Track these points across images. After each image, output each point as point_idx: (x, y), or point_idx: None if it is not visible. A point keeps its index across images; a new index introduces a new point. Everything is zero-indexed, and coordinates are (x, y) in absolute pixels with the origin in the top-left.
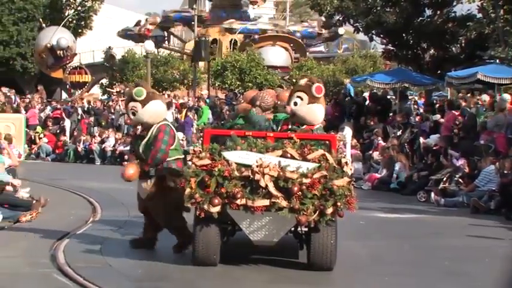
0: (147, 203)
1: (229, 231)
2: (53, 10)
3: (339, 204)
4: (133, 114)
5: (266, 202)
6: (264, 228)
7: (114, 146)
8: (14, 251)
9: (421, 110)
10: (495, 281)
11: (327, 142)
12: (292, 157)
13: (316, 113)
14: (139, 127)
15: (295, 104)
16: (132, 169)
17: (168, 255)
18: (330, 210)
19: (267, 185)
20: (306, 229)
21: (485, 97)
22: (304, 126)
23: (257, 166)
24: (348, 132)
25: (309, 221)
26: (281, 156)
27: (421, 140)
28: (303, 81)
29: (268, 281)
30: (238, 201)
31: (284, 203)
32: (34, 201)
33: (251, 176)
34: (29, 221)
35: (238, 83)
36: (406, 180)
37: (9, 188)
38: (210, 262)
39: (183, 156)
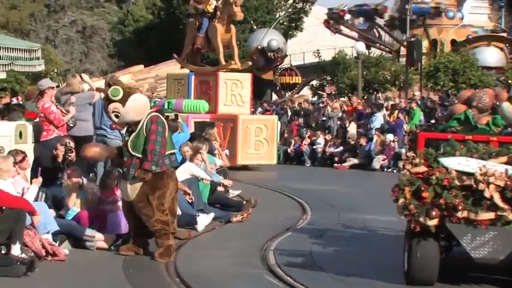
0: (135, 206)
1: (446, 246)
2: (264, 12)
3: None
4: (117, 116)
5: (491, 215)
6: (487, 244)
7: (324, 147)
8: (226, 251)
9: None
10: None
11: None
12: None
13: None
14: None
15: None
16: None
17: (376, 268)
18: None
19: (492, 196)
20: None
21: None
22: None
23: (481, 174)
24: None
25: None
26: (506, 163)
27: None
28: None
29: None
30: (459, 214)
31: None
32: (245, 202)
33: (474, 186)
34: (240, 221)
35: (451, 84)
36: None
37: (220, 188)
38: (428, 280)
39: (175, 150)
